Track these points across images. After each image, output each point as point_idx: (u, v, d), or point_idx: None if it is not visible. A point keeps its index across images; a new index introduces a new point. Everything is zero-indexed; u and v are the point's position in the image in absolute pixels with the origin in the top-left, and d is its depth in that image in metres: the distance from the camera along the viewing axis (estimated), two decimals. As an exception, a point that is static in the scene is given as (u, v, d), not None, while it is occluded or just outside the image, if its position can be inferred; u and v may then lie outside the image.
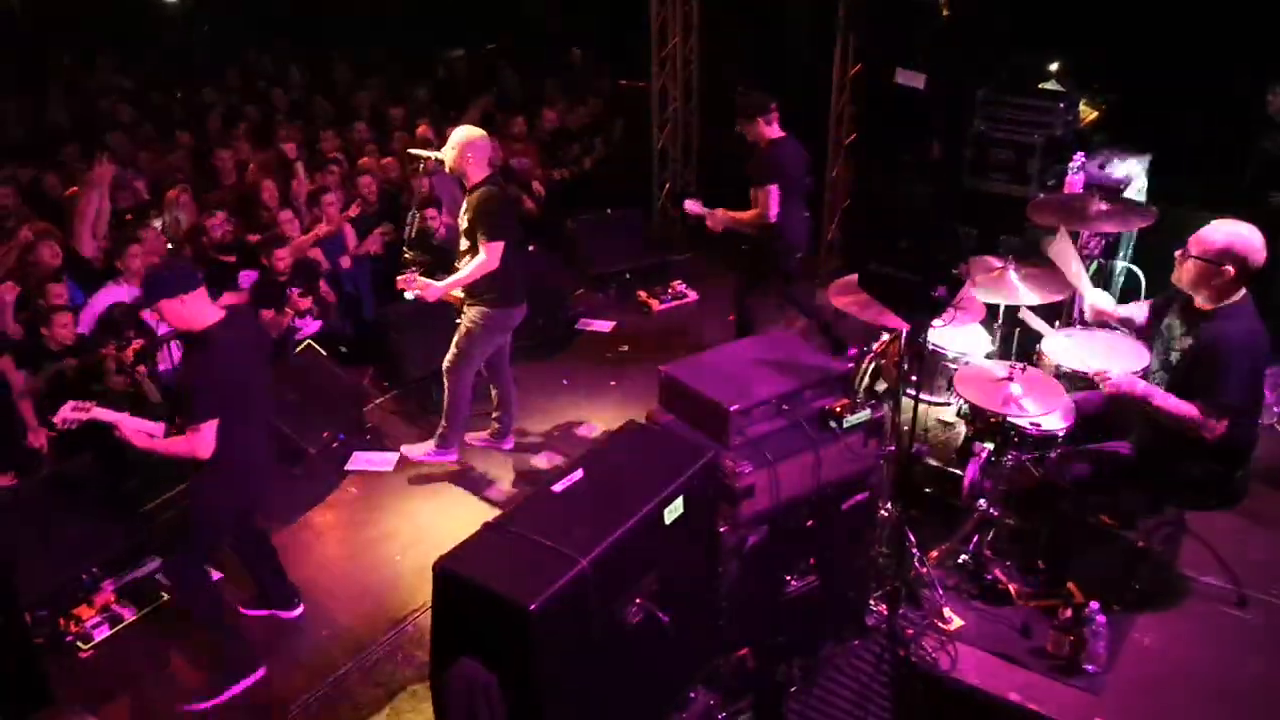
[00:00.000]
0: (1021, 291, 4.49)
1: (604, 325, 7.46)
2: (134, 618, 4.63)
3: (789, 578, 3.77)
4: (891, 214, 7.33)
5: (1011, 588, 4.20)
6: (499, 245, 5.06)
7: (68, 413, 3.87)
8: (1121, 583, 4.20)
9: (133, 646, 4.52)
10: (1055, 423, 4.15)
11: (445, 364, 5.40)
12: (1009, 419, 4.11)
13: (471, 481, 5.61)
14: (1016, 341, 4.97)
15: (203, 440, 3.79)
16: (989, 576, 4.25)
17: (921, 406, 4.15)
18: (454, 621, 2.99)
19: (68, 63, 11.16)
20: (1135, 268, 5.64)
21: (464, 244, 5.22)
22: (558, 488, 3.17)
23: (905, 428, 3.86)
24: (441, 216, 7.02)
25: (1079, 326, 4.64)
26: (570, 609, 2.82)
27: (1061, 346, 4.47)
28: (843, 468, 3.72)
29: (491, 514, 3.36)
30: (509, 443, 5.81)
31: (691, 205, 6.16)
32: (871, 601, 4.14)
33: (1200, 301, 3.84)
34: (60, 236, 6.26)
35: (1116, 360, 4.12)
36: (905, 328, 4.11)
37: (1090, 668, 3.84)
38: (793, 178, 5.94)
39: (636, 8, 8.36)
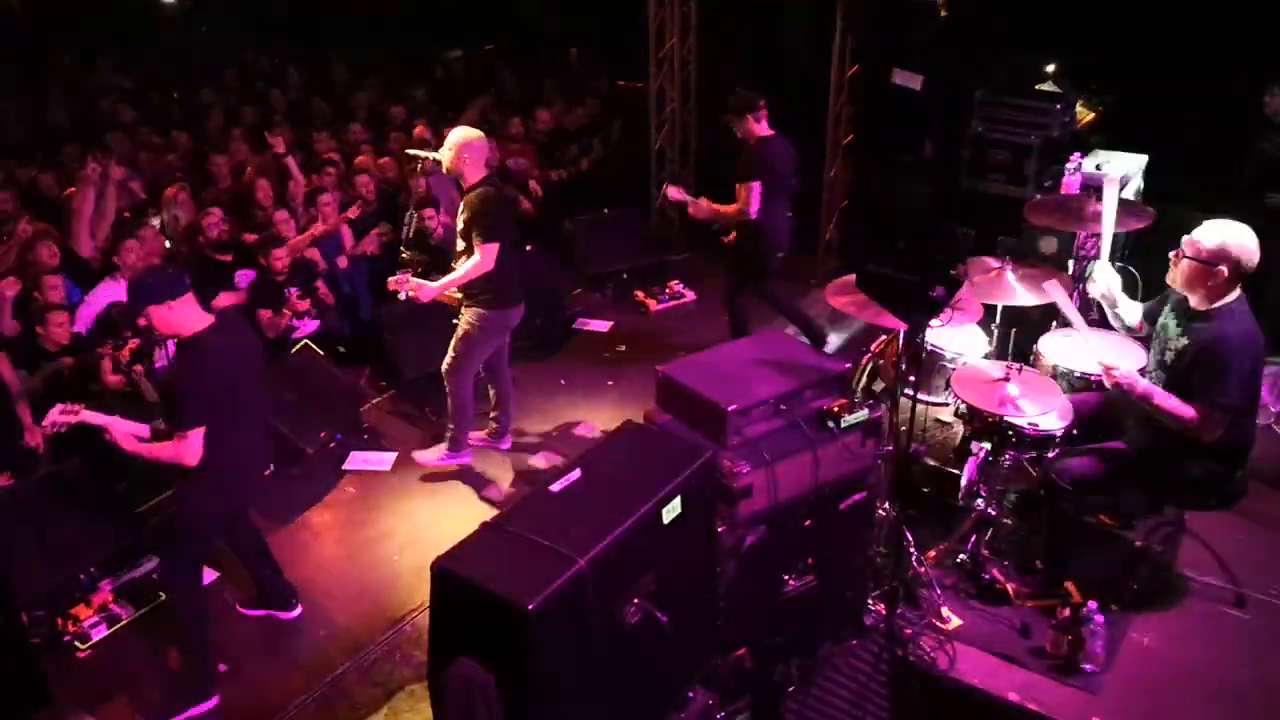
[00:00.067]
0: (1019, 292, 4.49)
1: (601, 325, 7.45)
2: (132, 617, 4.62)
3: (787, 577, 3.76)
4: (889, 214, 7.34)
5: (1009, 587, 4.20)
6: (494, 246, 5.05)
7: (56, 416, 3.85)
8: (1120, 582, 4.21)
9: (131, 646, 4.50)
10: (1053, 423, 4.16)
11: (444, 366, 5.39)
12: (1006, 419, 4.12)
13: (469, 481, 5.61)
14: (1013, 342, 4.98)
15: (189, 447, 3.77)
16: (987, 576, 4.25)
17: (919, 406, 4.15)
18: (452, 621, 2.99)
19: (68, 63, 11.15)
20: (1132, 269, 5.64)
21: (460, 245, 5.22)
22: (555, 487, 3.18)
23: (903, 428, 3.85)
24: (439, 216, 7.01)
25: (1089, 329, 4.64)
26: (568, 609, 2.82)
27: (1061, 347, 4.47)
28: (840, 467, 3.72)
29: (489, 514, 3.37)
30: (507, 442, 5.81)
31: (674, 191, 6.19)
32: (869, 601, 4.14)
33: (1195, 302, 3.84)
34: (58, 236, 6.25)
35: (1117, 360, 4.12)
36: (903, 328, 4.11)
37: (1088, 667, 3.84)
38: (779, 175, 5.95)
39: (634, 8, 8.34)
